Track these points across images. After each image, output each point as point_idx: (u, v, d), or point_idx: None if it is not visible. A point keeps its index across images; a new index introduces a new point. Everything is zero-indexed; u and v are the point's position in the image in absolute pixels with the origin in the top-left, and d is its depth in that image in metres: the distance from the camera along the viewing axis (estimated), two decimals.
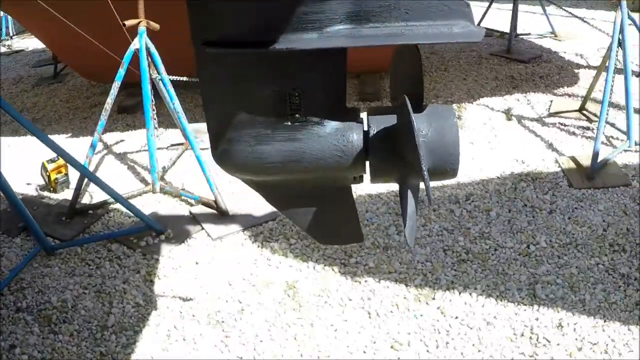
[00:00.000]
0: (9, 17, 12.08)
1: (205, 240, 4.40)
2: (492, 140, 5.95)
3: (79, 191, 4.82)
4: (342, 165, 1.40)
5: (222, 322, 3.61)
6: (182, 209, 4.85)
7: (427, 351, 3.40)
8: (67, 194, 5.19)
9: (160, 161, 5.07)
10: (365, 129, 1.40)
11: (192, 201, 4.89)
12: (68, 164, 5.18)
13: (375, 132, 1.37)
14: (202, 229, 4.54)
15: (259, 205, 4.74)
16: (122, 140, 6.23)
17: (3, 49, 12.20)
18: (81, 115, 7.06)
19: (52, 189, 5.30)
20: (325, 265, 4.07)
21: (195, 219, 4.67)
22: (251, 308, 3.71)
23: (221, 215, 4.65)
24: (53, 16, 5.22)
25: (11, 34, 12.84)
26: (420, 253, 4.17)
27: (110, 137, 6.28)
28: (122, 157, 5.88)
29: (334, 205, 1.58)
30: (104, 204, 4.89)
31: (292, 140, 1.38)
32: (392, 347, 3.42)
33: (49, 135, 5.89)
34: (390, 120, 1.38)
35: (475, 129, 6.15)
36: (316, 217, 1.56)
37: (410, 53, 1.41)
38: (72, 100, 7.63)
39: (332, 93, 1.39)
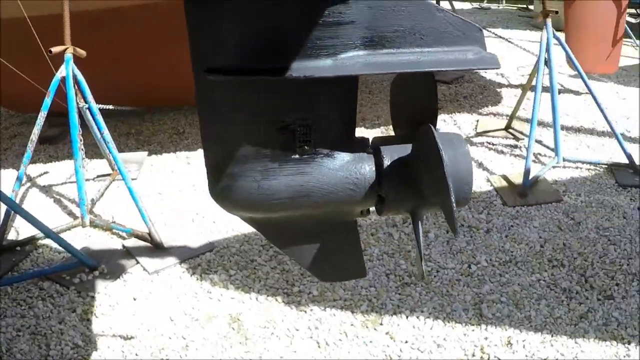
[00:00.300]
0: None
1: (142, 275, 4.24)
2: None
3: (4, 227, 4.59)
4: (353, 199, 1.34)
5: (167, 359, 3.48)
6: (115, 243, 4.66)
7: None
8: None
9: (88, 193, 4.88)
10: (376, 160, 1.34)
11: (125, 234, 4.71)
12: None
13: (389, 163, 1.32)
14: (137, 263, 4.38)
15: (194, 237, 4.64)
16: (45, 172, 5.97)
17: None
18: (1, 146, 6.76)
19: None
20: (268, 296, 3.99)
21: (129, 253, 4.50)
22: (196, 344, 3.59)
23: (156, 248, 4.50)
24: None
25: None
26: (362, 279, 4.13)
27: (33, 170, 6.00)
28: (46, 190, 5.63)
29: (338, 240, 1.52)
30: (32, 240, 4.65)
31: (301, 174, 1.31)
32: None
33: None
34: (404, 150, 1.33)
35: None
36: (319, 253, 1.49)
37: (425, 80, 1.37)
38: None
39: (343, 123, 1.33)
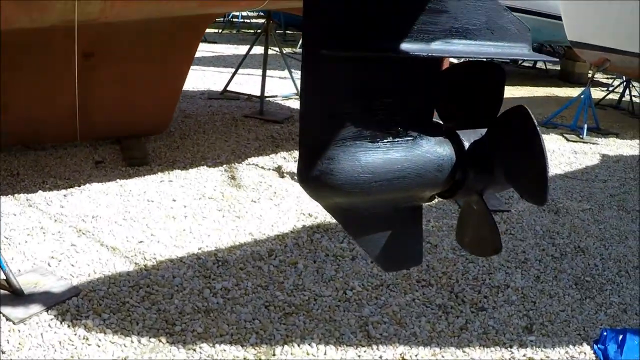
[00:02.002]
0: None
1: (6, 325, 3.85)
2: (273, 197, 6.03)
3: None
4: (438, 181, 1.35)
5: None
6: None
7: None
8: None
9: None
10: (455, 144, 1.34)
11: None
12: None
13: (468, 146, 1.33)
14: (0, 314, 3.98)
15: (54, 282, 4.32)
16: None
17: None
18: None
19: None
20: (150, 337, 3.78)
21: None
22: None
23: (17, 296, 4.11)
24: None
25: None
26: (243, 312, 4.05)
27: None
28: None
29: (406, 226, 1.49)
30: None
31: (398, 154, 1.29)
32: None
33: None
34: (478, 134, 1.34)
35: (254, 188, 6.20)
36: (388, 242, 1.45)
37: (496, 69, 1.41)
38: None
39: (428, 106, 1.33)
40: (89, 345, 3.69)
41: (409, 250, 1.59)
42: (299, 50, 16.77)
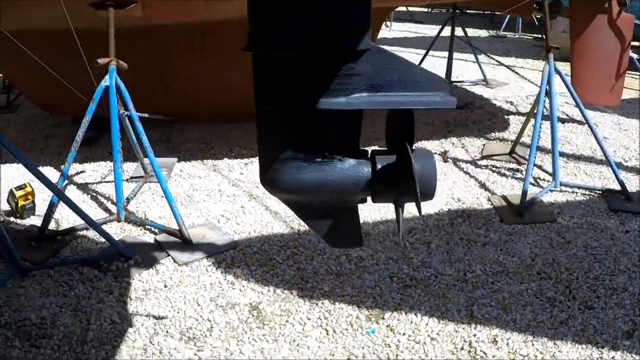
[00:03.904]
0: None
1: (172, 266, 4.73)
2: None
3: (49, 217, 5.09)
4: (355, 191, 1.84)
5: (194, 338, 3.95)
6: (147, 238, 5.17)
7: None
8: (32, 221, 5.44)
9: (123, 192, 5.38)
10: (372, 165, 1.84)
11: (157, 230, 5.22)
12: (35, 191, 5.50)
13: (380, 167, 1.82)
14: (168, 255, 4.86)
15: (220, 236, 5.13)
16: (82, 172, 6.50)
17: None
18: (38, 146, 7.30)
19: (18, 215, 5.54)
20: (284, 289, 4.46)
21: (161, 247, 5.00)
22: (220, 326, 4.06)
23: (185, 244, 4.99)
24: (16, 47, 5.52)
25: None
26: (369, 279, 4.60)
27: (71, 169, 6.53)
28: (83, 187, 6.16)
29: (344, 219, 2.01)
30: (71, 231, 5.17)
31: (322, 171, 1.81)
32: (348, 359, 3.82)
33: (8, 165, 6.19)
34: (391, 159, 1.83)
35: None
36: (331, 227, 1.99)
37: (407, 113, 1.87)
38: (27, 131, 7.85)
39: (351, 139, 1.84)
40: (233, 289, 4.45)
41: (349, 235, 2.10)
42: (502, 33, 16.74)
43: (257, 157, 1.90)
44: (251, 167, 6.55)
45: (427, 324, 4.13)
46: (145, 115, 5.58)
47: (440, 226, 5.48)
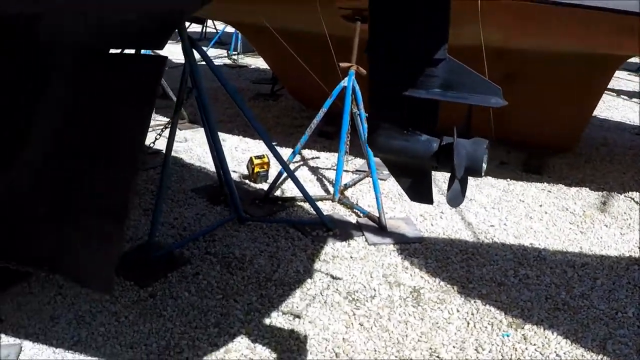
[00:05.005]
0: (240, 36, 14.26)
1: (363, 244, 5.51)
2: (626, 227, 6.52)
3: (274, 184, 6.15)
4: (425, 158, 2.48)
5: (356, 299, 4.67)
6: (351, 219, 6.01)
7: None
8: (263, 186, 6.62)
9: (343, 179, 6.28)
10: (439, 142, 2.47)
11: (361, 214, 6.04)
12: (271, 163, 6.59)
13: (443, 144, 2.43)
14: (363, 235, 5.65)
15: (411, 230, 5.80)
16: (317, 157, 7.57)
17: (229, 62, 14.31)
18: (287, 131, 8.54)
19: (253, 179, 6.72)
20: (448, 284, 5.00)
21: (359, 227, 5.81)
22: (381, 296, 4.74)
23: (380, 229, 5.75)
24: (282, 44, 6.65)
25: (238, 51, 15.00)
26: (525, 294, 4.93)
27: (308, 153, 7.64)
28: (313, 169, 7.20)
29: (420, 180, 2.65)
30: (291, 200, 6.19)
31: (406, 141, 2.49)
32: (476, 348, 4.30)
33: (257, 141, 7.42)
34: (451, 139, 2.44)
35: (621, 216, 6.75)
36: (410, 185, 2.64)
37: (469, 109, 2.47)
38: (281, 117, 9.17)
39: (428, 122, 2.48)
40: (405, 272, 5.10)
41: (423, 193, 2.67)
42: None
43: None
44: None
45: (558, 343, 4.41)
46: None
47: (614, 268, 5.62)
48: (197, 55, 5.07)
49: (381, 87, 2.49)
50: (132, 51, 5.09)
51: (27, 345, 4.10)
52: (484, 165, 2.43)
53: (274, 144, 7.87)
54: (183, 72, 5.13)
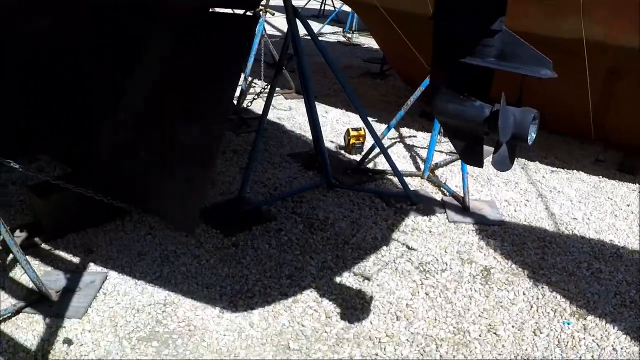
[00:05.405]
0: (356, 16, 14.69)
1: (444, 221, 5.75)
2: None
3: (367, 157, 6.46)
4: (478, 122, 2.73)
5: (427, 271, 4.93)
6: (436, 196, 6.24)
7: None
8: (357, 158, 6.93)
9: (435, 159, 6.51)
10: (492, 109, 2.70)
11: (447, 193, 6.26)
12: (367, 136, 6.88)
13: (495, 111, 2.67)
14: (445, 212, 5.89)
15: (494, 213, 5.98)
16: (413, 136, 7.82)
17: (343, 40, 14.72)
18: (390, 109, 8.78)
19: (348, 150, 7.06)
20: (520, 267, 5.15)
21: (443, 205, 6.05)
22: (452, 271, 4.97)
23: (463, 209, 5.95)
24: (392, 25, 6.89)
25: (353, 29, 15.48)
26: (595, 287, 5.00)
27: (406, 132, 7.91)
28: (408, 147, 7.46)
29: (473, 144, 2.90)
30: (381, 172, 6.49)
31: (462, 105, 2.75)
32: (534, 331, 4.48)
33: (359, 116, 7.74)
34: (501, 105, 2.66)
35: None
36: (464, 148, 2.90)
37: (522, 78, 2.69)
38: (388, 96, 9.45)
39: (483, 89, 2.72)
40: (480, 252, 5.30)
41: (475, 158, 2.89)
42: None
43: None
44: (555, 175, 7.17)
45: (618, 338, 4.50)
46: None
47: None
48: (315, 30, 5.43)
49: (442, 54, 2.75)
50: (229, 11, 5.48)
51: (113, 275, 4.65)
52: (533, 135, 2.65)
53: (375, 120, 8.21)
54: (285, 39, 5.51)
